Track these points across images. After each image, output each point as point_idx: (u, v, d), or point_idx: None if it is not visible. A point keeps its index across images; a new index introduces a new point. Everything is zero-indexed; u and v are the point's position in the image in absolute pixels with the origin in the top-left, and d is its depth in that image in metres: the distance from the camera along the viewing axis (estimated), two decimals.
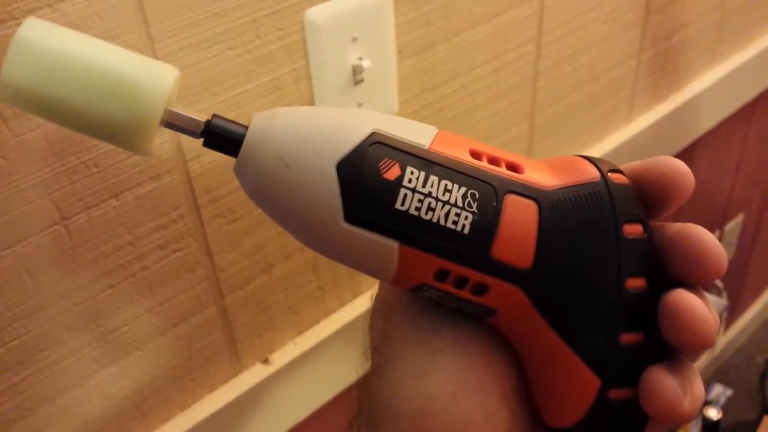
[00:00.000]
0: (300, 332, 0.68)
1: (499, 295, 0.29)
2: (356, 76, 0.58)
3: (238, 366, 0.64)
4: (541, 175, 0.30)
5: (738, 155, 1.32)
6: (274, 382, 0.65)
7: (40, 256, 0.47)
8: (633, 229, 0.30)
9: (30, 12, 0.41)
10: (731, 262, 1.57)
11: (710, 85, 1.03)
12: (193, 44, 0.48)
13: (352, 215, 0.28)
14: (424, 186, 0.28)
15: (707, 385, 1.70)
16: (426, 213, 0.28)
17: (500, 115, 0.75)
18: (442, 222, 0.28)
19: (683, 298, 0.28)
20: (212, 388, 0.63)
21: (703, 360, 1.70)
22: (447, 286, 0.29)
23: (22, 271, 0.47)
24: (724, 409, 1.64)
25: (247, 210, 0.57)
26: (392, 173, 0.28)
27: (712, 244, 0.29)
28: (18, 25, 0.40)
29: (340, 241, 0.28)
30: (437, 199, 0.28)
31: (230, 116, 0.52)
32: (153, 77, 0.28)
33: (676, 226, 0.31)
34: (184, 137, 0.50)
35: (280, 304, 0.64)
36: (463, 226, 0.28)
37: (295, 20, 0.53)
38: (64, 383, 0.53)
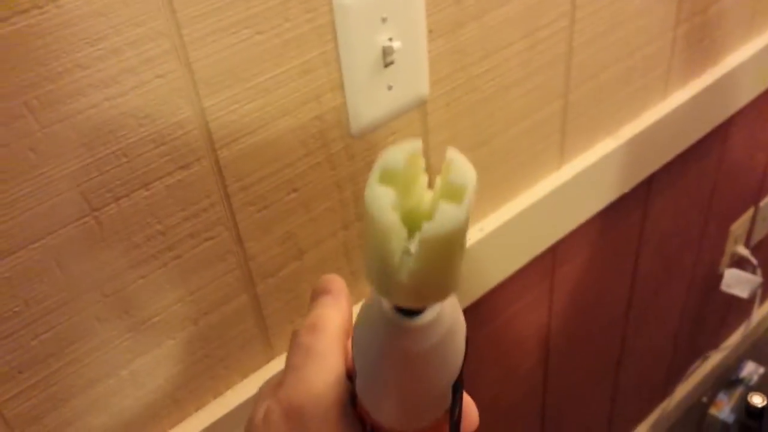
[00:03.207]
0: None
1: None
2: (386, 57, 0.56)
3: (270, 353, 0.63)
4: None
5: None
6: None
7: (70, 248, 0.47)
8: None
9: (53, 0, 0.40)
10: (765, 238, 1.54)
11: (747, 58, 1.00)
12: (221, 29, 0.47)
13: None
14: None
15: (740, 363, 1.68)
16: None
17: (533, 94, 0.73)
18: None
19: None
20: (244, 375, 0.62)
21: (736, 337, 1.67)
22: None
23: (52, 264, 0.46)
24: (757, 387, 1.62)
25: (277, 197, 0.56)
26: None
27: None
28: (42, 14, 0.39)
29: None
30: None
31: (259, 102, 0.51)
32: None
33: None
34: (213, 123, 0.49)
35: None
36: None
37: (324, 2, 0.51)
38: (96, 374, 0.52)
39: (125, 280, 0.51)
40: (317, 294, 0.36)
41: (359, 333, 0.30)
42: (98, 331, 0.51)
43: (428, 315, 0.28)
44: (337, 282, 0.37)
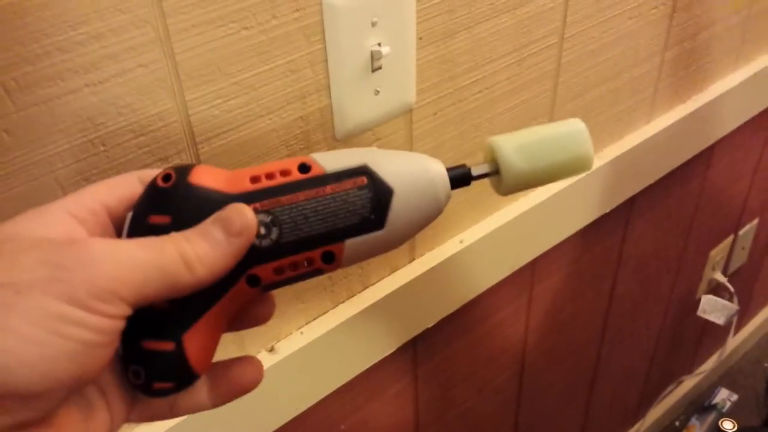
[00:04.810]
0: (307, 322, 0.67)
1: None
2: (374, 62, 0.56)
3: (243, 354, 0.62)
4: None
5: (757, 159, 1.30)
6: (279, 370, 0.64)
7: None
8: None
9: None
10: (743, 267, 1.55)
11: (733, 87, 1.01)
12: (207, 22, 0.46)
13: None
14: None
15: (713, 389, 1.69)
16: None
17: (519, 108, 0.74)
18: None
19: None
20: None
21: (711, 363, 1.68)
22: None
23: None
24: (730, 414, 1.63)
25: None
26: None
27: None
28: None
29: None
30: None
31: (243, 99, 0.51)
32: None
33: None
34: (195, 117, 0.48)
35: (286, 293, 0.63)
36: None
37: (314, 1, 0.51)
38: None
39: None
40: None
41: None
42: None
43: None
44: None
